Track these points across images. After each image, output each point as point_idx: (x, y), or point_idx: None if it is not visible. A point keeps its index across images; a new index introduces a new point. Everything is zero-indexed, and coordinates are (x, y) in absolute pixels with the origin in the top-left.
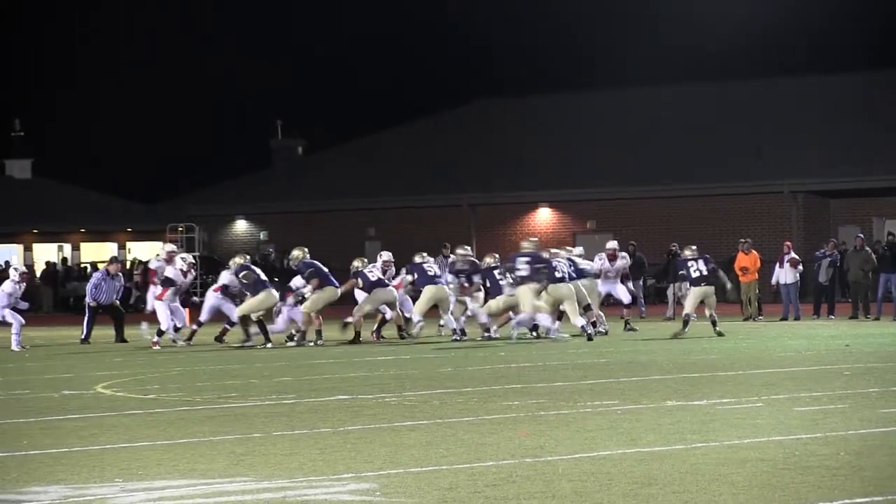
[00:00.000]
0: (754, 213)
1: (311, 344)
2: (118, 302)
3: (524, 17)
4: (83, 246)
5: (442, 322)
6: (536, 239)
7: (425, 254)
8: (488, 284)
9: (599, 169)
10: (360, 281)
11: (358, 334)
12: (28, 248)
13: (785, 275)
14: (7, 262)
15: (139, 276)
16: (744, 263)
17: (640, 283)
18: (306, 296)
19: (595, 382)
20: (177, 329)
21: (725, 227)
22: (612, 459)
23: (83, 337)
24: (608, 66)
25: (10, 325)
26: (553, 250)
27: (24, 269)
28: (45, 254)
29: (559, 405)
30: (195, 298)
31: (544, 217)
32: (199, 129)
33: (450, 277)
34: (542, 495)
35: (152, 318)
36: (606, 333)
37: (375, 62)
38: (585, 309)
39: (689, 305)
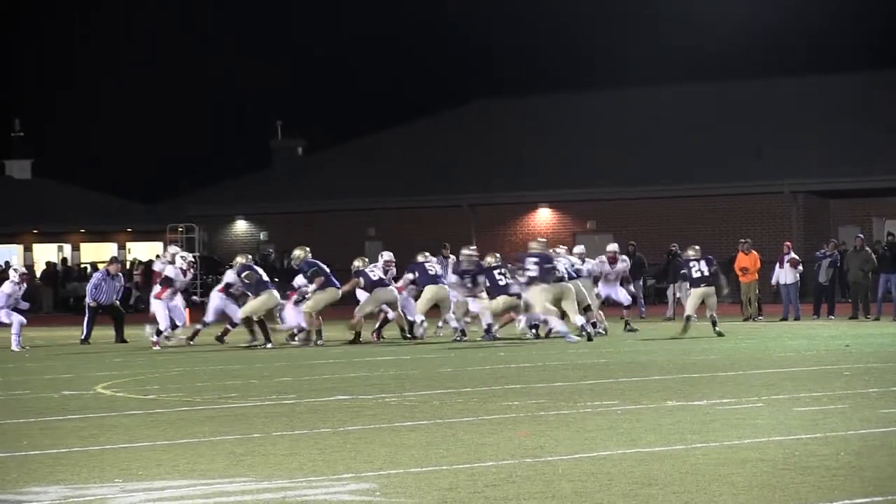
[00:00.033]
0: (754, 213)
1: (313, 344)
2: (118, 302)
3: (524, 17)
4: (83, 246)
5: (441, 323)
6: (545, 239)
7: (428, 253)
8: (488, 284)
9: (599, 169)
10: (361, 280)
11: (358, 335)
12: (28, 249)
13: (785, 275)
14: (7, 263)
15: (139, 277)
16: (744, 264)
17: (640, 283)
18: (308, 294)
19: (595, 382)
20: (175, 326)
21: (725, 228)
22: (612, 459)
23: (83, 337)
24: (608, 66)
25: (9, 325)
26: (553, 250)
27: (23, 269)
28: (45, 254)
29: (559, 405)
30: (195, 298)
31: (544, 217)
32: (199, 129)
33: (454, 278)
34: (542, 495)
35: (156, 320)
36: (606, 333)
37: (375, 62)
38: (586, 310)
39: (689, 307)
